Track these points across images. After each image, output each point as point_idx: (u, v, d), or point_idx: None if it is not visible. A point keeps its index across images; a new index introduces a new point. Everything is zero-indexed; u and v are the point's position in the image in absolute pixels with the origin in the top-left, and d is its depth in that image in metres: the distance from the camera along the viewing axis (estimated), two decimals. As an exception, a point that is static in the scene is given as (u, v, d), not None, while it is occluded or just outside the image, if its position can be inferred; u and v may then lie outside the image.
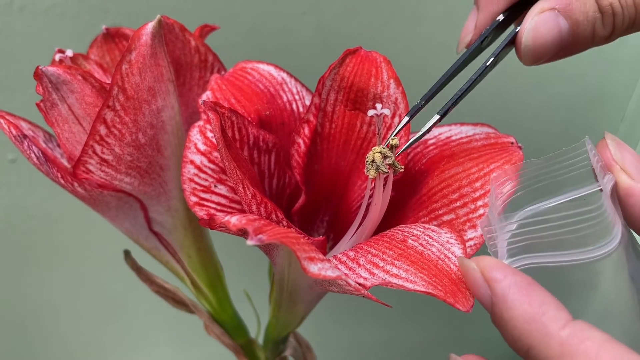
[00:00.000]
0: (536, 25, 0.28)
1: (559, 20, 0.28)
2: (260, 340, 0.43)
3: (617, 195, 0.26)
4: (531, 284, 0.23)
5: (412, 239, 0.27)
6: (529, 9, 0.29)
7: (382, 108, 0.30)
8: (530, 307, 0.22)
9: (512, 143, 0.31)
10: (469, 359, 0.25)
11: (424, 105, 0.30)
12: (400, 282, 0.25)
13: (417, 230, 0.28)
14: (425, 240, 0.27)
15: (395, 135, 0.30)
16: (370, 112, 0.30)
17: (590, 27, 0.28)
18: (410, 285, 0.25)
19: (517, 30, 0.29)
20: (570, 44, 0.28)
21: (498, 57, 0.30)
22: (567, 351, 0.21)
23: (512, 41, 0.30)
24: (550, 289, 0.23)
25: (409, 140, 0.30)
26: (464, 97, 0.30)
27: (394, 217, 0.32)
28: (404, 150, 0.30)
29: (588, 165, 0.25)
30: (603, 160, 0.26)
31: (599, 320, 0.23)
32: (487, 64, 0.30)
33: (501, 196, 0.26)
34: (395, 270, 0.25)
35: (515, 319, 0.22)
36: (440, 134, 0.33)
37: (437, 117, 0.29)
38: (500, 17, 0.30)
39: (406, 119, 0.30)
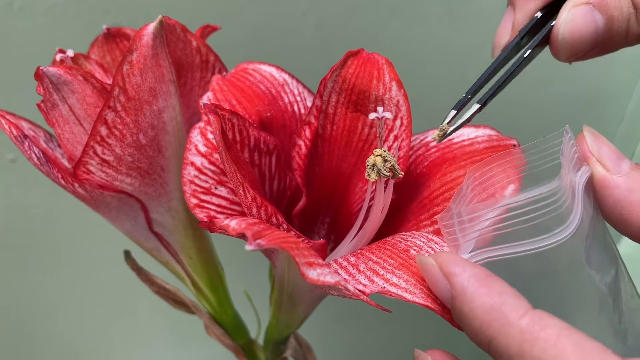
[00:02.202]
0: (573, 17, 0.28)
1: (595, 15, 0.28)
2: (261, 340, 0.43)
3: (593, 187, 0.26)
4: (489, 276, 0.23)
5: (414, 250, 0.27)
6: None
7: (383, 111, 0.30)
8: (489, 297, 0.22)
9: (515, 145, 0.30)
10: (433, 354, 0.25)
11: (470, 99, 0.29)
12: (400, 291, 0.25)
13: (420, 241, 0.28)
14: (427, 252, 0.27)
15: (445, 128, 0.28)
16: (372, 116, 0.30)
17: (625, 23, 0.28)
18: (409, 296, 0.25)
19: (552, 25, 0.29)
20: (605, 39, 0.28)
21: (534, 51, 0.29)
22: (527, 338, 0.21)
23: (547, 37, 0.29)
24: (509, 281, 0.23)
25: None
26: (502, 88, 0.29)
27: (395, 220, 0.32)
28: (447, 135, 0.28)
29: (557, 159, 0.26)
30: (580, 152, 0.26)
31: (557, 308, 0.23)
32: (525, 56, 0.29)
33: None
34: (395, 280, 0.25)
35: (475, 310, 0.22)
36: (441, 137, 0.33)
37: (477, 106, 0.28)
38: (538, 14, 0.30)
39: (453, 112, 0.29)
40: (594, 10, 0.28)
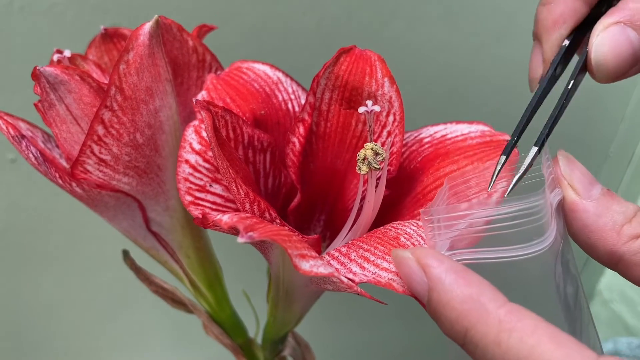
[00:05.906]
0: (603, 40, 0.27)
1: (627, 32, 0.27)
2: (259, 340, 0.43)
3: (563, 210, 0.27)
4: (466, 269, 0.23)
5: (404, 237, 0.27)
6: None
7: (372, 105, 0.30)
8: (468, 287, 0.23)
9: (507, 141, 0.31)
10: None
11: (516, 142, 0.29)
12: (390, 275, 0.25)
13: (410, 229, 0.28)
14: (417, 239, 0.27)
15: (496, 177, 0.28)
16: (361, 109, 0.30)
17: None
18: (399, 286, 0.25)
19: (587, 50, 0.28)
20: None
21: (577, 80, 0.29)
22: (505, 328, 0.21)
23: (585, 63, 0.29)
24: None
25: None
26: (555, 124, 0.28)
27: (389, 215, 0.33)
28: (510, 189, 0.28)
29: (541, 176, 0.26)
30: (554, 174, 0.27)
31: None
32: (570, 87, 0.29)
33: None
34: (385, 264, 0.26)
35: (454, 299, 0.23)
36: (435, 132, 0.33)
37: (535, 148, 0.28)
38: (566, 42, 0.30)
39: (503, 157, 0.28)
40: (626, 27, 0.27)
